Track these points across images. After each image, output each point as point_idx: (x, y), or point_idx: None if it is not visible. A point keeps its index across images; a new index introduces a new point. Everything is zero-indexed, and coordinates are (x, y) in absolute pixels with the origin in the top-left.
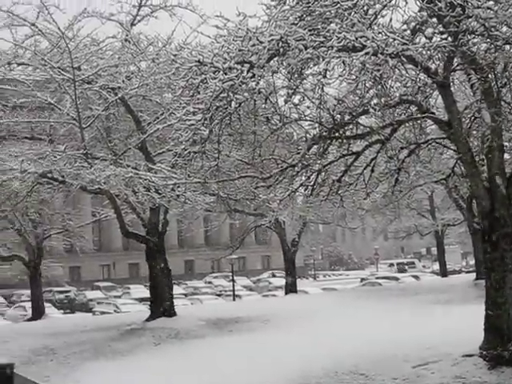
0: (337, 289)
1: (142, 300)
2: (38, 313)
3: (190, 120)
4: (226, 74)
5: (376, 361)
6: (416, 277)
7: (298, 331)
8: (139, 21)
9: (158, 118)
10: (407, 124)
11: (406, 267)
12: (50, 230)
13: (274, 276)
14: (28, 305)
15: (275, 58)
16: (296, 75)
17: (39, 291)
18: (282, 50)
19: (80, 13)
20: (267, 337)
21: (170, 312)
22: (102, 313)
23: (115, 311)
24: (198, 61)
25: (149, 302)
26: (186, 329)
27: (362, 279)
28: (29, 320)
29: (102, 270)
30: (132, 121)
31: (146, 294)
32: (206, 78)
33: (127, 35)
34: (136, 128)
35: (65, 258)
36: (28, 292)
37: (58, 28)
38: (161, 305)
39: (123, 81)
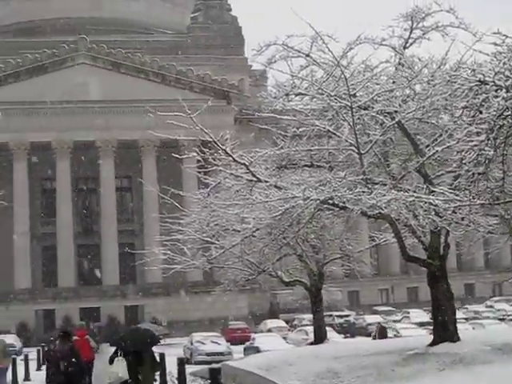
0: None
1: (422, 324)
2: (319, 337)
3: (472, 141)
4: (508, 91)
5: None
6: None
7: None
8: (411, 44)
9: (435, 140)
10: None
11: None
12: (330, 255)
13: None
14: (309, 329)
15: None
16: None
17: (321, 315)
18: None
19: (353, 40)
20: None
21: (454, 337)
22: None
23: (395, 336)
24: (479, 80)
25: (429, 327)
26: (470, 354)
27: None
28: (311, 344)
29: (380, 295)
30: (409, 144)
31: (426, 318)
32: (488, 97)
33: (400, 59)
34: (414, 151)
35: (344, 283)
36: (308, 316)
37: (334, 57)
38: (443, 329)
39: (399, 105)
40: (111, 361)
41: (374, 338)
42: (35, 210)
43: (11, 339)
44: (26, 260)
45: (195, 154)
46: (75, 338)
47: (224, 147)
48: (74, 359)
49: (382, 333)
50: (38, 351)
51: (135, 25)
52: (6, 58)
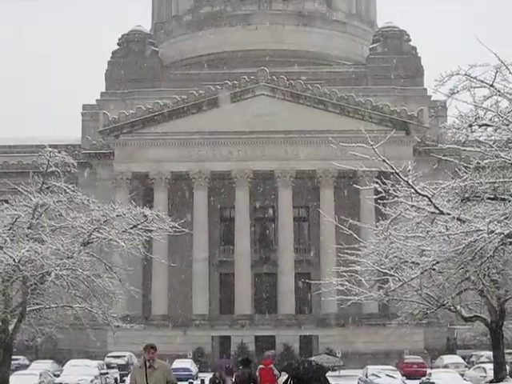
0: None
1: None
2: (499, 375)
3: None
4: None
5: None
6: None
7: None
8: None
9: None
10: None
11: None
12: None
13: None
14: (488, 366)
15: None
16: None
17: (501, 353)
18: None
19: None
20: None
21: None
22: None
23: None
24: None
25: None
26: None
27: None
28: (490, 382)
29: None
30: None
31: None
32: None
33: None
34: None
35: None
36: (487, 353)
37: None
38: None
39: None
40: None
41: None
42: (213, 238)
43: (187, 364)
44: (204, 286)
45: (377, 185)
46: (261, 366)
47: (406, 179)
48: None
49: None
50: None
51: (315, 56)
52: (189, 89)
